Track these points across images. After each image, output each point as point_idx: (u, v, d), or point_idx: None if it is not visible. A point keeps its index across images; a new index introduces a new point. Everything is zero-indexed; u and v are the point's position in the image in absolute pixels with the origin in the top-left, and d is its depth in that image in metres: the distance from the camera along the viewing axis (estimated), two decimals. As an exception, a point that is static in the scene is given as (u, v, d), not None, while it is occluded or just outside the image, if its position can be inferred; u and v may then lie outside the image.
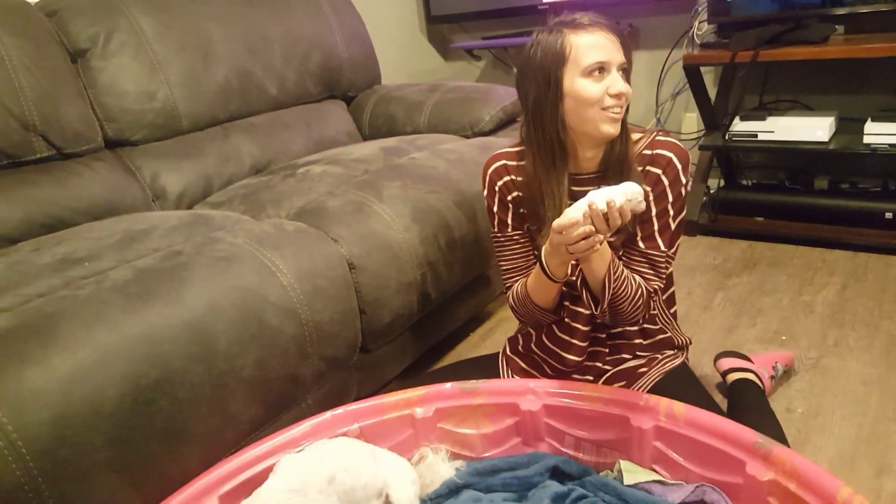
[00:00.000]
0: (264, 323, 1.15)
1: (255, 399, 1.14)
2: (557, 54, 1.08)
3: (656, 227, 1.16)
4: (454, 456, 1.22)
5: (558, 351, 1.26)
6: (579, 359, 1.25)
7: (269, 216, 1.46)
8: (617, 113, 1.09)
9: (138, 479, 0.99)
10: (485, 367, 1.39)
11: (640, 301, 1.14)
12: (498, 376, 1.35)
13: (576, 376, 1.27)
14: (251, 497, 1.01)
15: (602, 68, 1.07)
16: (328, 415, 1.19)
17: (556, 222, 1.01)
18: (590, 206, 0.97)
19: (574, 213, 0.99)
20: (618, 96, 1.08)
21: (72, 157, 1.55)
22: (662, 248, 1.16)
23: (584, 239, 1.00)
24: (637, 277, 1.15)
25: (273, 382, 1.17)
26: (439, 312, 1.62)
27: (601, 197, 0.97)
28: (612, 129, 1.10)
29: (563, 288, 1.22)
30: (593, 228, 0.99)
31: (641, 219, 1.15)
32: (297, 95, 2.05)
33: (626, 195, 0.98)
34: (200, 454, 1.07)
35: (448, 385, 1.23)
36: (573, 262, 1.14)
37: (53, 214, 1.44)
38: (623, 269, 1.12)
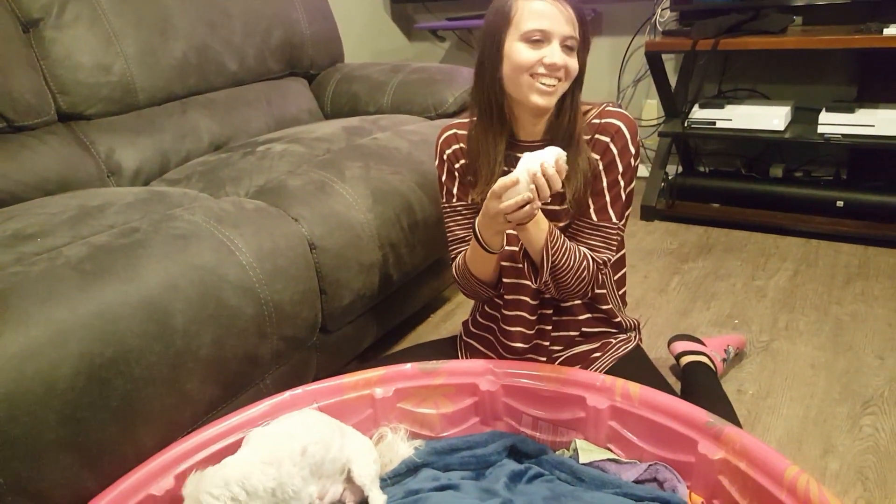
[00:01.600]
0: (222, 302, 1.13)
1: (213, 378, 1.14)
2: (504, 15, 1.08)
3: (608, 198, 1.16)
4: (413, 435, 1.23)
5: (506, 327, 1.27)
6: (530, 331, 1.26)
7: (227, 194, 1.44)
8: (548, 85, 1.08)
9: (93, 458, 0.98)
10: (442, 351, 1.40)
11: (586, 273, 1.13)
12: (455, 358, 1.37)
13: (531, 355, 1.28)
14: (219, 465, 1.00)
15: (542, 37, 1.06)
16: (287, 395, 1.19)
17: (495, 186, 1.01)
18: (532, 175, 0.98)
19: (509, 178, 1.00)
20: (552, 67, 1.06)
21: (23, 130, 1.50)
22: (615, 219, 1.17)
23: (522, 207, 0.99)
24: (582, 249, 1.14)
25: (231, 362, 1.16)
26: (400, 294, 1.63)
27: (535, 162, 0.98)
28: (542, 101, 1.09)
29: (505, 262, 1.22)
30: (529, 195, 0.98)
31: (593, 190, 1.15)
32: (258, 72, 2.01)
33: (553, 156, 0.99)
34: (156, 434, 1.06)
35: (408, 366, 1.24)
36: (508, 231, 1.14)
37: (4, 189, 1.39)
38: (564, 241, 1.11)
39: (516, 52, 1.07)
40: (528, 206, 0.99)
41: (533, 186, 0.98)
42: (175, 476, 1.04)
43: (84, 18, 1.60)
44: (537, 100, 1.09)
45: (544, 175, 0.98)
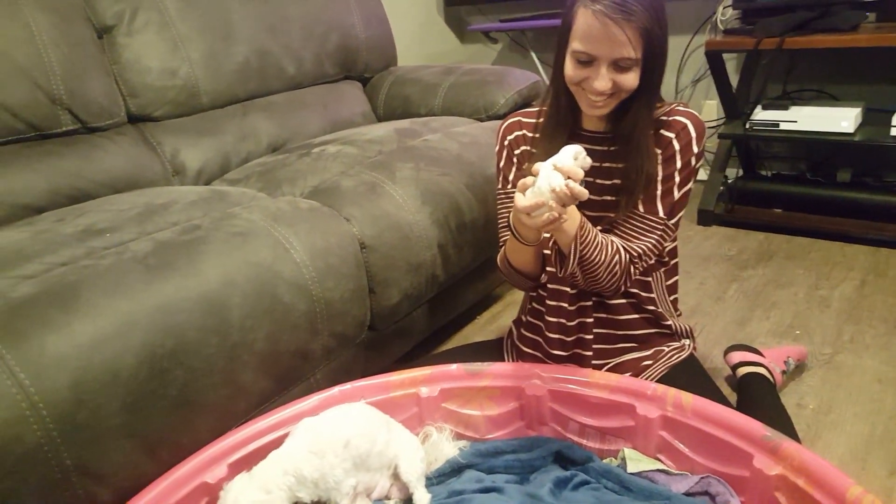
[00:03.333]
0: (277, 298, 1.17)
1: (266, 372, 1.17)
2: (568, 23, 1.07)
3: (659, 191, 1.14)
4: (458, 436, 1.23)
5: (549, 318, 1.26)
6: (570, 323, 1.25)
7: (284, 194, 1.48)
8: (597, 102, 1.07)
9: (152, 445, 1.02)
10: (488, 352, 1.40)
11: (618, 268, 1.11)
12: (501, 360, 1.36)
13: (576, 350, 1.26)
14: (268, 457, 1.04)
15: (588, 59, 1.04)
16: (335, 390, 1.21)
17: (520, 204, 1.00)
18: (554, 191, 0.96)
19: (535, 195, 0.99)
20: (594, 92, 1.05)
21: (96, 131, 1.58)
22: (661, 213, 1.14)
23: (551, 222, 0.99)
24: (617, 243, 1.12)
25: (283, 356, 1.19)
26: (448, 294, 1.63)
27: (558, 178, 0.97)
28: (590, 112, 1.10)
29: (548, 251, 1.21)
30: (555, 214, 0.98)
31: (646, 181, 1.13)
32: (315, 76, 2.06)
33: (572, 157, 0.98)
34: (211, 423, 1.10)
35: (454, 366, 1.24)
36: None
37: (77, 186, 1.47)
38: (595, 235, 1.09)
39: (567, 64, 1.08)
40: (554, 222, 0.99)
41: (557, 199, 0.97)
42: (228, 465, 1.07)
43: (153, 25, 1.68)
44: (586, 110, 1.11)
45: (569, 189, 0.96)
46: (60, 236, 1.14)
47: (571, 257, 1.09)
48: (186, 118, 1.75)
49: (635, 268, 1.15)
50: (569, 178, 0.97)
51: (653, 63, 1.05)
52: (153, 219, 1.23)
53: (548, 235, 1.18)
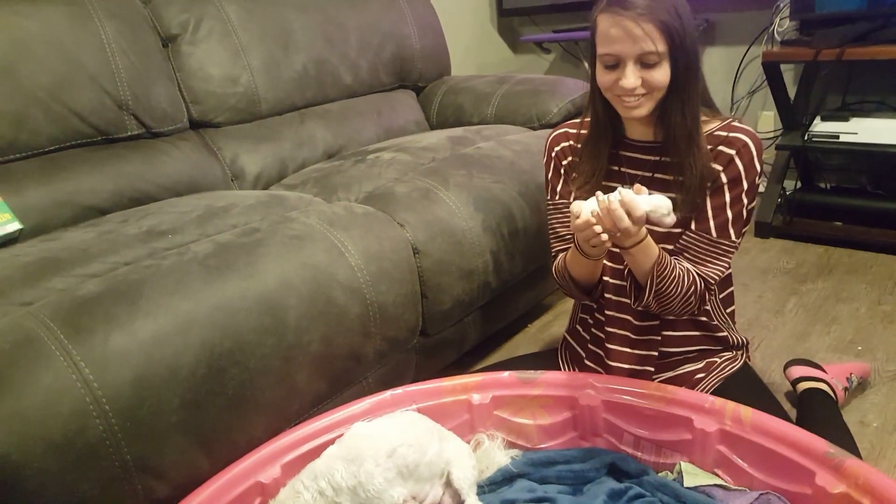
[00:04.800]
0: (332, 301, 1.18)
1: (320, 373, 1.18)
2: (592, 33, 1.08)
3: (730, 216, 1.12)
4: (510, 445, 1.22)
5: (610, 329, 1.25)
6: (636, 337, 1.23)
7: (339, 199, 1.50)
8: (631, 102, 1.07)
9: (208, 442, 1.03)
10: (544, 363, 1.38)
11: (693, 297, 1.11)
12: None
13: (634, 366, 1.24)
14: (314, 461, 1.05)
15: (614, 61, 1.05)
16: (387, 394, 1.21)
17: (574, 207, 1.03)
18: (597, 198, 0.98)
19: (587, 206, 1.01)
20: (625, 91, 1.05)
21: (160, 136, 1.63)
22: (733, 237, 1.13)
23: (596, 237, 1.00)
24: (692, 272, 1.11)
25: (337, 359, 1.20)
26: (499, 302, 1.62)
27: (609, 195, 0.98)
28: (629, 115, 1.09)
29: (608, 263, 1.21)
30: (598, 228, 0.99)
31: (716, 205, 1.12)
32: (370, 84, 2.10)
33: (650, 205, 0.98)
34: (266, 423, 1.11)
35: (506, 373, 1.24)
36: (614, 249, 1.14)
37: (141, 189, 1.52)
38: (673, 268, 1.08)
39: (597, 72, 1.09)
40: (597, 238, 1.00)
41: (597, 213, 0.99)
42: (282, 465, 1.08)
43: (216, 34, 1.73)
44: (624, 113, 1.11)
45: (609, 203, 0.97)
46: (124, 237, 1.18)
47: (647, 290, 1.10)
48: (246, 125, 1.79)
49: (710, 293, 1.15)
50: (628, 211, 0.97)
51: (679, 56, 1.05)
52: (213, 221, 1.25)
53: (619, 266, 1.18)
